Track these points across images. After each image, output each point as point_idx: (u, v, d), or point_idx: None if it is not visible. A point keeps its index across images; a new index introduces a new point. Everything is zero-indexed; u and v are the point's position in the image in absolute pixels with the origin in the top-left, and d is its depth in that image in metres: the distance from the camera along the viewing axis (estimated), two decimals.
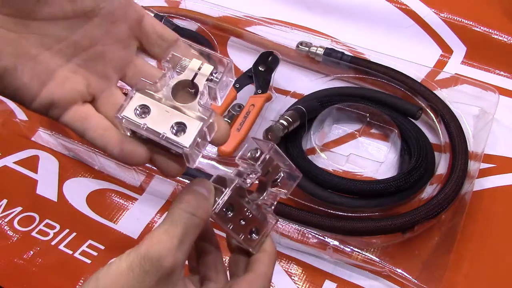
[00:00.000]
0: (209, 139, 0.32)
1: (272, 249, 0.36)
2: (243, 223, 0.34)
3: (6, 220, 0.57)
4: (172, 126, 0.30)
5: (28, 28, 0.30)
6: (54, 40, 0.31)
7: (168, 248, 0.30)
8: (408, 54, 0.70)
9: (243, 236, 0.35)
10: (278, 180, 0.36)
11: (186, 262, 0.33)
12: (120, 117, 0.30)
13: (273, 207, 0.37)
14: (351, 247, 0.51)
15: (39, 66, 0.30)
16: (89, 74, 0.32)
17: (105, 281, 0.30)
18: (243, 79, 0.66)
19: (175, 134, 0.30)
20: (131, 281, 0.30)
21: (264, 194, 0.36)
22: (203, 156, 0.61)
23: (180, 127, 0.31)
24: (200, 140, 0.31)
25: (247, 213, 0.35)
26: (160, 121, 0.30)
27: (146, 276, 0.30)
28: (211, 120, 0.31)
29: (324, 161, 0.59)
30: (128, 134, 0.31)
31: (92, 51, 0.32)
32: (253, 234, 0.35)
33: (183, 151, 0.30)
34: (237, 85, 0.65)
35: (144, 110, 0.31)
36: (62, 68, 0.31)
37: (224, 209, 0.33)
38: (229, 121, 0.61)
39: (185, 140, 0.30)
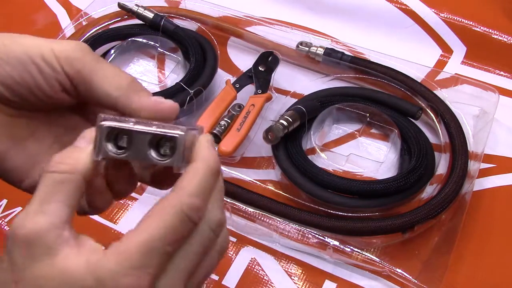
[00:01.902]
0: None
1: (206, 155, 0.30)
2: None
3: (6, 220, 0.57)
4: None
5: (21, 112, 0.31)
6: (39, 127, 0.33)
7: (22, 216, 0.27)
8: (408, 54, 0.70)
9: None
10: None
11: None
12: (105, 126, 0.29)
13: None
14: (351, 247, 0.51)
15: (28, 149, 0.32)
16: None
17: None
18: (243, 79, 0.66)
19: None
20: (1, 266, 0.27)
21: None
22: None
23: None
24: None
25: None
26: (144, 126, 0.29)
27: (9, 254, 0.26)
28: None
29: (324, 161, 0.59)
30: (99, 158, 0.29)
31: (67, 138, 0.34)
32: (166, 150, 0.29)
33: (179, 136, 0.28)
34: (237, 85, 0.65)
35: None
36: (47, 152, 0.33)
37: (108, 147, 0.29)
38: (229, 121, 0.61)
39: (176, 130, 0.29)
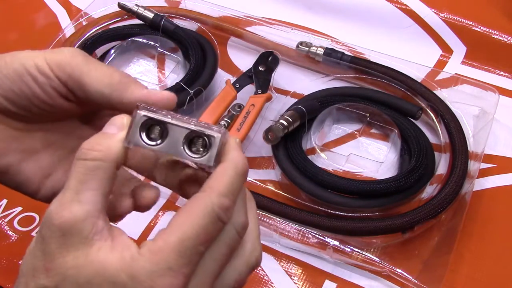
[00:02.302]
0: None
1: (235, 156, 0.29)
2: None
3: (6, 220, 0.57)
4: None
5: (33, 126, 0.32)
6: (55, 139, 0.34)
7: (57, 204, 0.26)
8: (408, 54, 0.70)
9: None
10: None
11: None
12: (142, 115, 0.28)
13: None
14: (351, 247, 0.51)
15: (42, 161, 0.33)
16: None
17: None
18: (243, 79, 0.66)
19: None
20: (34, 252, 0.27)
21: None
22: None
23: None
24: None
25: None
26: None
27: (43, 242, 0.26)
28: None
29: (324, 161, 0.59)
30: (131, 146, 0.29)
31: None
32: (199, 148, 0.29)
33: (217, 136, 0.29)
34: (237, 85, 0.64)
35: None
36: (62, 163, 0.34)
37: (141, 137, 0.29)
38: (229, 121, 0.61)
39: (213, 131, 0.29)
